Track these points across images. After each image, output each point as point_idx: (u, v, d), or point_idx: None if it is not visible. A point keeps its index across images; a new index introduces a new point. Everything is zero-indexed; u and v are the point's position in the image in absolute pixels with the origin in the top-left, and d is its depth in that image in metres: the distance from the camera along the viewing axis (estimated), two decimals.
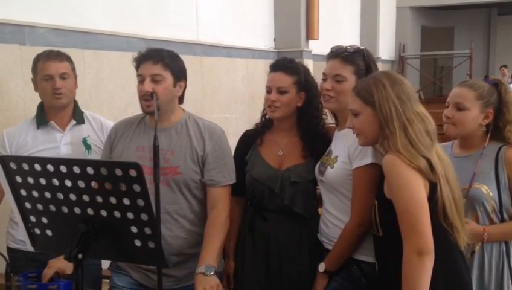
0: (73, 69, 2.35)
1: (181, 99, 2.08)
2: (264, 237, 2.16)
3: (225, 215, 2.01)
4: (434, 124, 1.74)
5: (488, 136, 2.03)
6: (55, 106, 2.30)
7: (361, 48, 2.03)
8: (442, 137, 1.83)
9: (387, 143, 1.69)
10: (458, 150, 2.11)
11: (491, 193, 1.97)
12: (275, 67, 2.17)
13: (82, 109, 2.42)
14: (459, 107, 2.01)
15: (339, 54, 2.00)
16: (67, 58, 2.33)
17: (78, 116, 2.37)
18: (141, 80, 1.97)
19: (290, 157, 2.16)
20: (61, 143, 2.31)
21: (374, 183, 1.84)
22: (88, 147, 2.34)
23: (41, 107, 2.35)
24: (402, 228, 1.63)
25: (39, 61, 2.30)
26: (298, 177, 2.12)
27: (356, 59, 2.00)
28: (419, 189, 1.63)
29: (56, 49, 2.43)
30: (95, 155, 2.33)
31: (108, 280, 2.20)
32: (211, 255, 1.92)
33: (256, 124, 2.30)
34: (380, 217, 1.76)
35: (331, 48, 2.06)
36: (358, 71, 1.99)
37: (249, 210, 2.22)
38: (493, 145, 2.02)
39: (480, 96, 1.99)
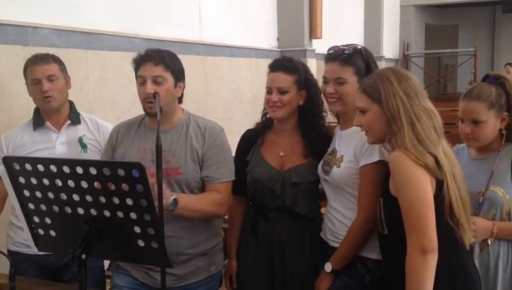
0: (63, 70, 2.34)
1: (180, 100, 2.08)
2: (267, 236, 2.15)
3: (220, 200, 1.98)
4: (441, 120, 1.73)
5: (504, 137, 1.99)
6: (47, 110, 2.31)
7: (359, 47, 2.01)
8: (448, 136, 1.81)
9: (394, 139, 1.68)
10: (475, 152, 2.08)
11: (507, 196, 1.95)
12: (275, 67, 2.15)
13: (79, 111, 2.42)
14: (476, 122, 1.96)
15: (337, 56, 1.99)
16: (55, 60, 2.32)
17: (74, 117, 2.37)
18: (142, 82, 1.95)
19: (291, 157, 2.15)
20: (56, 143, 2.31)
21: (381, 180, 1.84)
22: (84, 146, 2.34)
23: (37, 111, 2.36)
24: (406, 226, 1.63)
25: (27, 66, 2.31)
26: (299, 178, 2.11)
27: (355, 59, 1.98)
28: (425, 187, 1.62)
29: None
30: (91, 154, 2.33)
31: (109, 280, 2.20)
32: (184, 197, 1.88)
33: (257, 123, 2.29)
34: (385, 214, 1.75)
35: (328, 50, 2.05)
36: (358, 71, 1.98)
37: (250, 210, 2.22)
38: (510, 147, 1.99)
39: (491, 104, 1.94)
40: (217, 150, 2.00)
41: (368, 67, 1.99)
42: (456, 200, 1.67)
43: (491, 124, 1.96)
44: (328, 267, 1.97)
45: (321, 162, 2.08)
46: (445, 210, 1.66)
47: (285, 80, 2.11)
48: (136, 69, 1.99)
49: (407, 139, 1.64)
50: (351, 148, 1.96)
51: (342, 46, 2.02)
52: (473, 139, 1.99)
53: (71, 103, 2.40)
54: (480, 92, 1.95)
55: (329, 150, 2.08)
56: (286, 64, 2.14)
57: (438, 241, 1.61)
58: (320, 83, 2.13)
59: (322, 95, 2.12)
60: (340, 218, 2.01)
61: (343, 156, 1.99)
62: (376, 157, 1.87)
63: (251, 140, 2.24)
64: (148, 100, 1.93)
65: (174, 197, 1.82)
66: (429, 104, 1.73)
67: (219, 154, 2.01)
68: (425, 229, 1.59)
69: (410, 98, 1.69)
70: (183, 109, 2.09)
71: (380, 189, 1.83)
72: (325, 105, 2.16)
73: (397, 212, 1.66)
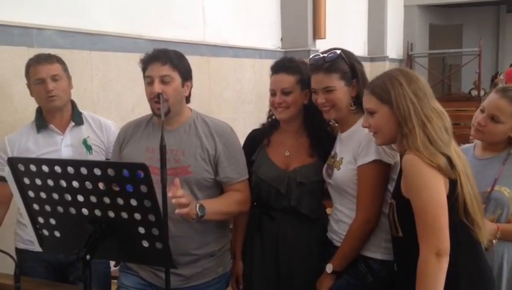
0: (65, 70, 2.35)
1: (188, 99, 2.08)
2: (272, 237, 2.15)
3: (243, 199, 2.03)
4: (450, 120, 1.73)
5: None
6: (51, 109, 2.32)
7: (338, 51, 1.99)
8: (453, 136, 1.81)
9: (406, 141, 1.67)
10: (480, 152, 2.09)
11: None
12: (276, 69, 2.16)
13: (81, 110, 2.43)
14: (494, 119, 1.97)
15: (320, 66, 1.99)
16: (58, 60, 2.33)
17: (77, 118, 2.38)
18: (150, 82, 1.96)
19: (296, 157, 2.15)
20: (61, 146, 2.32)
21: (379, 180, 1.84)
22: (89, 147, 2.35)
23: (39, 111, 2.37)
24: (420, 229, 1.62)
25: (30, 66, 2.31)
26: (305, 178, 2.11)
27: (338, 65, 1.98)
28: (439, 189, 1.61)
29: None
30: (96, 156, 2.35)
31: (116, 281, 2.20)
32: (210, 202, 1.91)
33: (263, 124, 2.29)
34: (399, 217, 1.73)
35: (310, 61, 2.05)
36: (344, 75, 1.98)
37: (255, 210, 2.22)
38: None
39: None
40: (230, 151, 2.01)
41: (352, 68, 1.99)
42: (471, 199, 1.66)
43: (506, 128, 1.97)
44: (329, 268, 1.97)
45: (325, 166, 2.09)
46: (459, 209, 1.66)
47: (288, 80, 2.11)
48: (144, 69, 2.00)
49: (419, 141, 1.64)
50: (349, 150, 1.97)
51: (322, 53, 2.02)
52: (481, 131, 2.00)
53: (73, 103, 2.41)
54: None
55: (332, 153, 2.09)
56: (287, 64, 2.14)
57: (453, 241, 1.60)
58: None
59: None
60: (343, 218, 2.01)
61: (342, 158, 2.00)
62: (371, 157, 1.87)
63: (256, 140, 2.25)
64: (155, 100, 1.94)
65: (200, 203, 1.84)
66: (438, 105, 1.72)
67: (233, 154, 2.02)
68: (439, 231, 1.59)
69: (420, 99, 1.68)
70: (191, 109, 2.10)
71: (379, 188, 1.83)
72: None
73: (411, 214, 1.65)
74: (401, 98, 1.68)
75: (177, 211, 1.73)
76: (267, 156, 2.20)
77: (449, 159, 1.64)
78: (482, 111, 2.02)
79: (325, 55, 1.99)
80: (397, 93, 1.69)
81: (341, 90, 1.97)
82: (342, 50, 2.01)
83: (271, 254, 2.16)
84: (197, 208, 1.82)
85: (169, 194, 1.69)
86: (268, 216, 2.17)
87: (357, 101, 1.97)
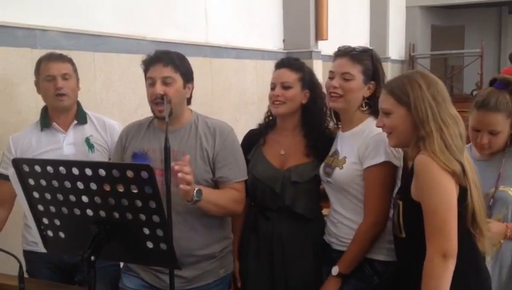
0: (75, 71, 2.37)
1: (189, 101, 2.09)
2: (268, 236, 2.16)
3: (239, 198, 2.01)
4: (464, 126, 1.72)
5: (510, 139, 2.00)
6: (58, 108, 2.32)
7: (370, 48, 2.03)
8: None
9: (422, 144, 1.66)
10: (479, 153, 2.08)
11: None
12: (280, 65, 2.19)
13: (86, 110, 2.44)
14: (493, 133, 1.96)
15: (347, 52, 2.01)
16: (69, 60, 2.36)
17: (81, 117, 2.39)
18: (152, 83, 1.97)
19: (292, 156, 2.16)
20: (63, 143, 2.33)
21: (387, 182, 1.83)
22: (91, 146, 2.35)
23: (45, 110, 2.38)
24: (428, 230, 1.61)
25: (41, 62, 2.33)
26: (299, 177, 2.10)
27: (364, 59, 2.00)
28: (451, 192, 1.61)
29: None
30: (98, 154, 2.35)
31: None
32: (208, 190, 1.90)
33: (259, 124, 2.30)
34: (404, 218, 1.73)
35: (339, 47, 2.07)
36: (366, 71, 1.98)
37: (252, 210, 2.22)
38: None
39: (509, 114, 1.94)
40: (228, 151, 2.01)
41: (375, 69, 2.00)
42: (479, 207, 1.66)
43: (507, 132, 1.96)
44: (334, 270, 1.96)
45: (322, 165, 2.08)
46: (467, 217, 1.65)
47: (289, 75, 2.13)
48: (146, 71, 2.01)
49: (436, 145, 1.63)
50: (354, 149, 1.96)
51: (353, 47, 2.04)
52: (488, 147, 1.99)
53: (78, 103, 2.42)
54: (498, 103, 1.94)
55: (331, 151, 2.08)
56: (291, 62, 2.18)
57: (457, 247, 1.60)
58: (324, 84, 2.14)
59: (326, 98, 2.13)
60: (342, 220, 2.01)
61: (345, 157, 1.98)
62: (381, 158, 1.86)
63: (253, 139, 2.26)
64: (156, 101, 1.95)
65: (198, 188, 1.83)
66: (454, 110, 1.71)
67: (231, 154, 2.02)
68: (448, 233, 1.58)
69: (439, 103, 1.67)
70: (191, 110, 2.10)
71: (388, 190, 1.82)
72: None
73: (418, 217, 1.64)
74: (419, 100, 1.67)
75: (181, 186, 1.73)
76: (263, 155, 2.20)
77: (462, 166, 1.64)
78: (477, 130, 1.99)
79: (356, 46, 2.02)
80: (416, 96, 1.68)
81: (357, 84, 1.97)
82: (373, 50, 2.04)
83: (266, 253, 2.16)
84: (195, 191, 1.81)
85: (176, 167, 1.69)
86: (264, 216, 2.17)
87: (367, 103, 1.97)
